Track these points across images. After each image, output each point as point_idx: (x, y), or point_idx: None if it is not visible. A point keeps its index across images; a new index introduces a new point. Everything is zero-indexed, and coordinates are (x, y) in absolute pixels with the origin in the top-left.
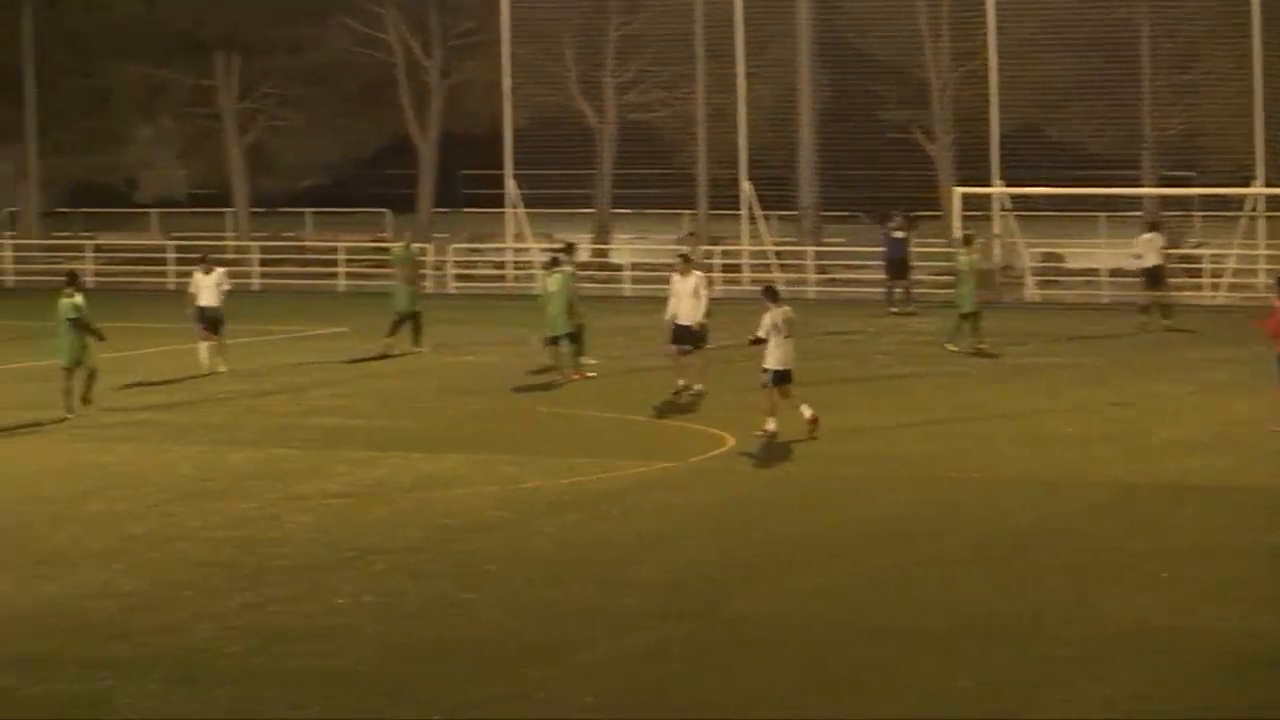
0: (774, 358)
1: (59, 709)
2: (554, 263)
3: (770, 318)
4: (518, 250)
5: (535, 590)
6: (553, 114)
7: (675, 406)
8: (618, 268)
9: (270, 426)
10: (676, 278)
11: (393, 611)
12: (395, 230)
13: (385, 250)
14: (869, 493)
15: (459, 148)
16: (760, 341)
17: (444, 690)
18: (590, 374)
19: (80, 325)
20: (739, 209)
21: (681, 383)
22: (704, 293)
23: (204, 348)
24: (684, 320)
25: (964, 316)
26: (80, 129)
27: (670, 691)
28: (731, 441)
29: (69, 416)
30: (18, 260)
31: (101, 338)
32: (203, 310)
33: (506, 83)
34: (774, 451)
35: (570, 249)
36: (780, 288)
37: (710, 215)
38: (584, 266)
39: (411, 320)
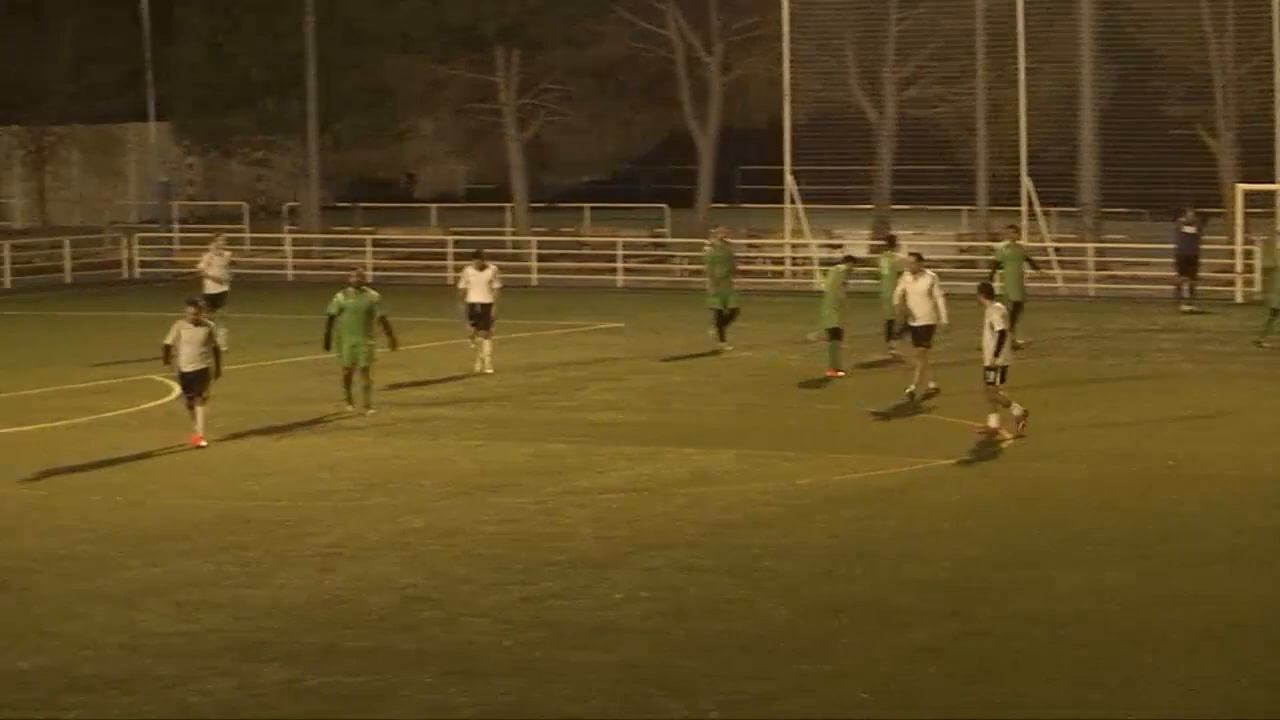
0: (1005, 354)
1: (342, 701)
2: (849, 259)
3: (999, 315)
4: (796, 246)
5: (810, 587)
6: (832, 110)
7: (949, 403)
8: None
9: (546, 421)
10: (909, 278)
11: (669, 607)
12: (673, 226)
13: (661, 245)
14: (1141, 489)
15: (738, 143)
16: (1004, 337)
17: (721, 685)
18: (840, 372)
19: (330, 323)
20: (1019, 205)
21: (933, 385)
22: (938, 292)
23: (480, 343)
24: (921, 321)
25: (1275, 312)
26: (360, 124)
27: (944, 691)
28: (1008, 439)
29: (349, 411)
30: (297, 254)
31: (327, 347)
32: (473, 306)
33: (786, 78)
34: (1046, 448)
35: (893, 242)
36: (1059, 285)
37: (990, 211)
38: (863, 262)
39: (723, 317)
